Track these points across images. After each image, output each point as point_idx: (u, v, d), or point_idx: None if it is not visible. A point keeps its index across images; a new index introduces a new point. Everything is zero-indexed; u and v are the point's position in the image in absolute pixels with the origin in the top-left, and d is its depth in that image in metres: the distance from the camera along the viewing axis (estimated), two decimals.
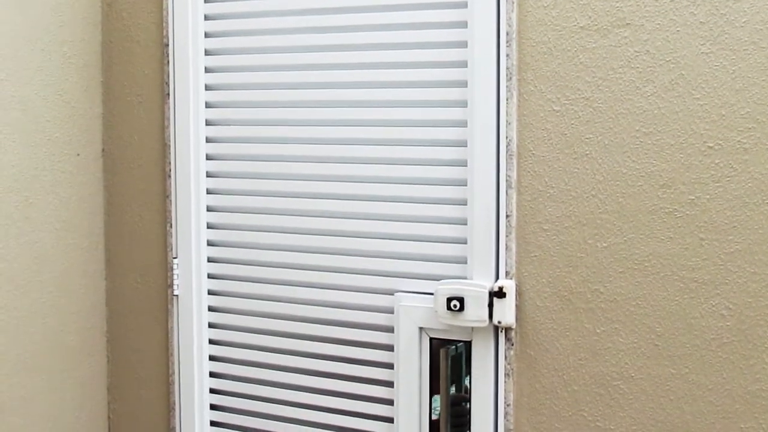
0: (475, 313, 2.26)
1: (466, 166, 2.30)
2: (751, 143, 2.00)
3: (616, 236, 2.15)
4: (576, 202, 2.20)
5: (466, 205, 2.31)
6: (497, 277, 2.29)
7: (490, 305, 2.26)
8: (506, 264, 2.29)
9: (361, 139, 2.46)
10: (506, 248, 2.28)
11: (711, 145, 2.03)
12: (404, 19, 2.38)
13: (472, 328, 2.30)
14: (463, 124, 2.30)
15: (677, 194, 2.08)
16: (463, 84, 2.30)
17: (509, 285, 2.27)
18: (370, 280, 2.47)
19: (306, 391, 2.59)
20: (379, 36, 2.42)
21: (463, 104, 2.30)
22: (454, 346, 2.34)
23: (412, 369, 2.38)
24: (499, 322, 2.28)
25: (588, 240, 2.19)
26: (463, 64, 2.29)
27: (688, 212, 2.07)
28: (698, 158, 2.05)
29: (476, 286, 2.27)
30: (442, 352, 2.35)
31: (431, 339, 2.37)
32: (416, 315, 2.37)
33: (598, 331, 2.19)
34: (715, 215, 2.04)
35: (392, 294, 2.42)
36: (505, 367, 2.30)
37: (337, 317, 2.52)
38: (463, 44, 2.29)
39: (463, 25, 2.29)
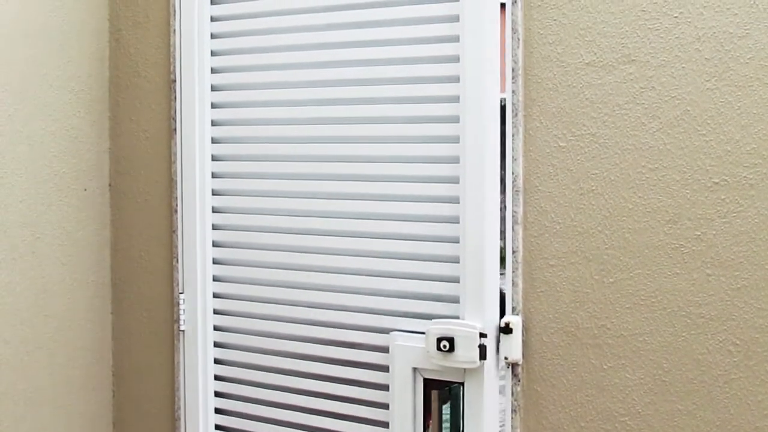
0: (466, 354, 2.23)
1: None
2: (757, 179, 1.99)
3: (623, 272, 2.14)
4: (582, 237, 2.19)
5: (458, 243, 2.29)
6: (503, 314, 2.28)
7: (481, 346, 2.22)
8: (513, 300, 2.28)
9: (356, 175, 2.46)
10: (513, 284, 2.27)
11: (717, 180, 2.03)
12: (400, 53, 2.38)
13: (464, 369, 2.26)
14: (456, 160, 2.29)
15: (683, 230, 2.07)
16: (456, 119, 2.28)
17: (516, 321, 2.26)
18: (367, 318, 2.44)
19: (306, 430, 2.57)
20: (377, 71, 2.41)
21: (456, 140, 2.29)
22: (447, 388, 2.30)
23: (406, 410, 2.34)
24: (506, 358, 2.28)
25: (594, 276, 2.18)
26: (456, 99, 2.28)
27: (694, 248, 2.06)
28: (704, 194, 2.04)
29: (466, 327, 2.23)
30: (433, 394, 2.32)
31: (425, 380, 2.33)
32: (410, 355, 2.33)
33: (605, 366, 2.18)
34: (722, 251, 2.03)
35: (388, 333, 2.40)
36: (511, 403, 2.29)
37: (337, 355, 2.50)
38: (455, 78, 2.28)
39: (456, 59, 2.28)
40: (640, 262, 2.12)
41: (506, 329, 2.27)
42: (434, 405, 2.31)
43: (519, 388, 2.29)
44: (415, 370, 2.33)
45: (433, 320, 2.29)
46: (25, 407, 2.77)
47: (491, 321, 2.25)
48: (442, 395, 2.29)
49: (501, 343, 2.28)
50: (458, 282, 2.28)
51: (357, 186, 2.46)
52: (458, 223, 2.28)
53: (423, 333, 2.30)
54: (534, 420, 2.27)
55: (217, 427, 2.73)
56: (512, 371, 2.29)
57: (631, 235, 2.13)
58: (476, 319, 2.24)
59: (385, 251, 2.41)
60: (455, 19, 2.27)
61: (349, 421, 2.49)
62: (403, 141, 2.39)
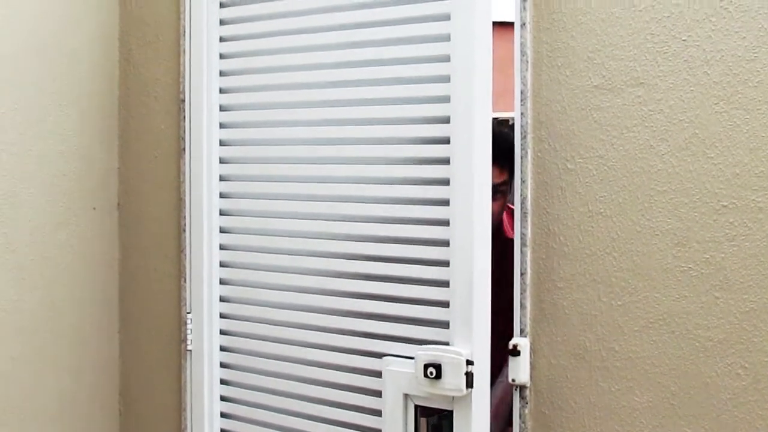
0: (452, 381, 2.17)
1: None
2: (765, 202, 1.98)
3: (631, 295, 2.13)
4: (590, 260, 2.19)
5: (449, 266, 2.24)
6: (512, 336, 2.27)
7: (468, 374, 2.16)
8: (521, 322, 2.27)
9: (350, 197, 2.45)
10: (521, 306, 2.27)
11: (725, 204, 2.02)
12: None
13: (453, 397, 2.20)
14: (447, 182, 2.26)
15: (692, 252, 2.06)
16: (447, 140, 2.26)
17: (524, 343, 2.25)
18: (363, 342, 2.40)
19: None
20: (371, 91, 2.41)
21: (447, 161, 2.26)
22: (436, 416, 2.26)
23: None
24: (513, 380, 2.27)
25: (602, 298, 2.17)
26: (447, 120, 2.25)
27: (703, 270, 2.05)
28: (713, 217, 2.03)
29: (453, 353, 2.18)
30: (422, 421, 2.27)
31: (416, 406, 2.28)
32: (401, 381, 2.28)
33: (613, 389, 2.16)
34: (730, 274, 2.02)
35: (380, 357, 2.36)
36: (519, 425, 2.28)
37: (336, 379, 2.47)
38: (446, 99, 2.25)
39: (446, 79, 2.25)
40: (648, 284, 2.11)
41: (514, 351, 2.26)
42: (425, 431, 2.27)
43: (527, 411, 2.28)
44: (406, 396, 2.28)
45: (422, 346, 2.25)
46: (31, 425, 2.78)
47: (480, 348, 2.19)
48: (431, 422, 2.26)
49: (509, 366, 2.27)
50: (448, 306, 2.24)
51: (351, 208, 2.44)
52: (448, 246, 2.24)
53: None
54: None
55: None
56: (520, 393, 2.28)
57: (639, 258, 2.12)
58: (465, 345, 2.19)
59: (378, 274, 2.39)
60: (447, 38, 2.25)
61: None
62: (394, 162, 2.37)
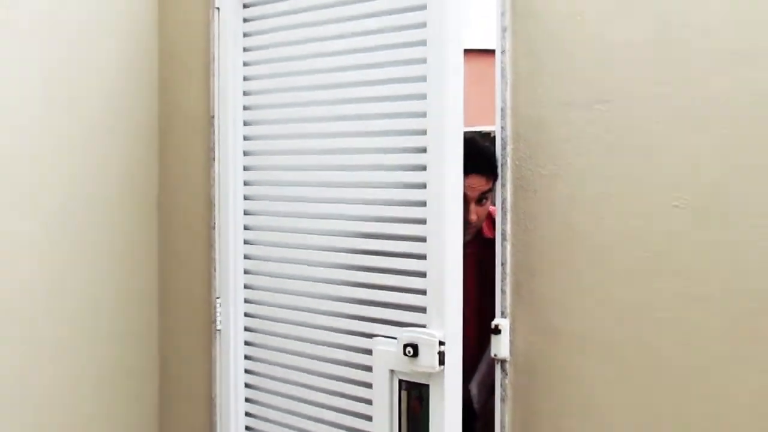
0: (427, 359, 2.14)
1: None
2: (708, 203, 1.97)
3: (595, 281, 2.14)
4: (560, 252, 2.19)
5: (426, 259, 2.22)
6: (504, 319, 2.26)
7: (440, 353, 2.13)
8: (501, 305, 2.27)
9: (345, 198, 2.44)
10: (501, 291, 2.27)
11: (676, 204, 2.02)
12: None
13: (429, 373, 2.17)
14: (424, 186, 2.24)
15: (650, 246, 2.05)
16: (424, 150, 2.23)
17: (504, 323, 2.26)
18: (360, 325, 2.40)
19: (311, 419, 2.56)
20: (360, 108, 2.40)
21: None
22: (417, 389, 2.22)
23: (384, 406, 2.28)
24: (495, 355, 2.27)
25: (571, 284, 2.18)
26: (424, 132, 2.23)
27: (659, 262, 2.04)
28: (668, 215, 2.03)
29: (428, 335, 2.15)
30: (403, 393, 2.25)
31: (400, 380, 2.26)
32: (387, 358, 2.25)
33: (579, 362, 2.16)
34: (678, 264, 2.02)
35: (371, 337, 2.34)
36: (500, 393, 2.29)
37: (336, 356, 2.47)
38: (423, 114, 2.22)
39: (423, 96, 2.22)
40: (609, 273, 2.12)
41: (496, 330, 2.27)
42: (404, 404, 2.25)
43: (507, 381, 2.28)
44: (392, 372, 2.26)
45: (405, 328, 2.23)
46: (86, 389, 2.82)
47: (452, 330, 2.17)
48: (412, 394, 2.23)
49: (492, 342, 2.28)
50: (426, 294, 2.21)
51: (347, 208, 2.44)
52: (425, 241, 2.22)
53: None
54: (520, 408, 2.27)
55: (246, 413, 2.75)
56: (501, 366, 2.29)
57: (601, 250, 2.13)
58: (439, 328, 2.16)
59: (370, 266, 2.37)
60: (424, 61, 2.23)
61: (341, 413, 2.46)
62: (382, 168, 2.36)
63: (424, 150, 2.22)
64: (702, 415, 2.02)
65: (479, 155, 2.32)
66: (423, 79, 2.21)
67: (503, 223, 2.29)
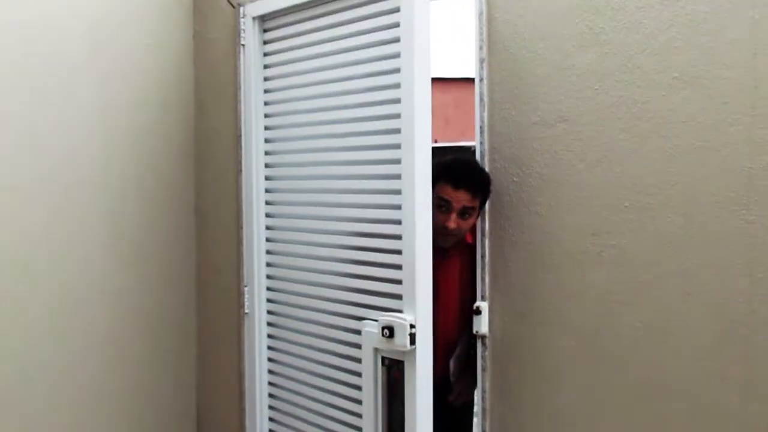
0: (401, 340, 2.08)
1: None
2: (655, 203, 1.96)
3: (559, 271, 2.12)
4: (530, 247, 2.17)
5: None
6: (483, 302, 2.25)
7: (411, 335, 2.07)
8: (481, 290, 2.25)
9: (341, 203, 2.40)
10: (481, 279, 2.25)
11: (627, 204, 2.01)
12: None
13: (404, 351, 2.11)
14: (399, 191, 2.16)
15: (603, 240, 2.04)
16: (399, 161, 2.15)
17: (484, 305, 2.24)
18: (353, 309, 2.35)
19: (314, 387, 2.52)
20: (344, 128, 2.30)
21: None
22: (396, 364, 2.16)
23: (370, 377, 2.23)
24: (477, 332, 2.25)
25: (538, 274, 2.16)
26: (398, 146, 2.14)
27: (611, 253, 2.03)
28: (618, 214, 2.02)
29: (401, 318, 2.09)
30: (382, 369, 2.19)
31: (383, 358, 2.20)
32: (372, 338, 2.19)
33: (545, 338, 2.16)
34: (630, 255, 2.00)
35: (360, 320, 2.29)
36: (481, 364, 2.27)
37: (336, 336, 2.42)
38: (398, 131, 2.15)
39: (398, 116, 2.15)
40: (571, 264, 2.10)
41: (477, 311, 2.25)
42: (383, 376, 2.20)
43: (486, 353, 2.27)
44: (376, 350, 2.20)
45: (386, 313, 2.17)
46: (134, 368, 2.80)
47: (423, 314, 2.10)
48: (390, 369, 2.18)
49: (473, 321, 2.25)
50: (401, 284, 2.14)
51: (343, 211, 2.40)
52: (401, 239, 2.14)
53: None
54: (497, 375, 2.26)
55: (269, 383, 2.72)
56: (481, 342, 2.27)
57: (565, 245, 2.11)
58: (411, 312, 2.09)
59: (360, 260, 2.32)
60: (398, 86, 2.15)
61: (341, 384, 2.41)
62: (366, 178, 2.31)
63: (398, 161, 2.15)
64: (646, 369, 2.00)
65: (470, 175, 2.26)
66: (398, 101, 2.15)
67: (483, 223, 2.27)
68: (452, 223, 2.30)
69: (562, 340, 2.13)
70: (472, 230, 2.37)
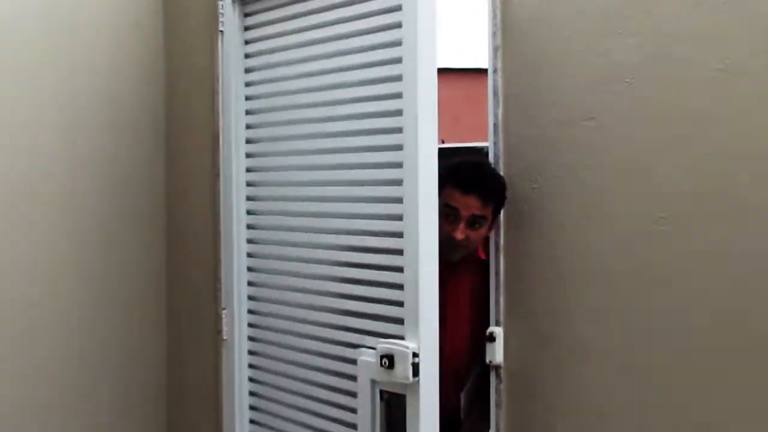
0: (402, 370, 2.07)
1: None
2: (696, 213, 1.96)
3: (583, 290, 2.12)
4: (551, 263, 2.17)
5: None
6: (498, 327, 2.26)
7: (414, 364, 2.06)
8: (496, 313, 2.26)
9: (337, 213, 2.41)
10: (495, 301, 2.26)
11: (663, 215, 2.00)
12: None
13: (406, 384, 2.09)
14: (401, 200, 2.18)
15: (639, 255, 2.03)
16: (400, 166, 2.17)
17: (498, 331, 2.25)
18: (347, 336, 2.36)
19: (300, 425, 2.53)
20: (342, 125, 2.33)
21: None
22: (396, 399, 2.15)
23: (366, 414, 2.23)
24: (490, 362, 2.26)
25: (560, 293, 2.16)
26: (400, 147, 2.15)
27: (649, 270, 2.02)
28: (654, 226, 2.00)
29: (402, 346, 2.08)
30: (381, 404, 2.19)
31: (381, 392, 2.20)
32: (369, 369, 2.19)
33: (571, 369, 2.15)
34: (672, 273, 1.99)
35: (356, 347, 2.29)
36: (495, 399, 2.27)
37: (325, 366, 2.43)
38: (400, 130, 2.17)
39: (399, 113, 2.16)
40: (601, 282, 2.09)
41: (490, 338, 2.25)
42: (381, 413, 2.20)
43: (501, 387, 2.27)
44: (373, 382, 2.20)
45: (384, 339, 2.16)
46: (99, 399, 2.83)
47: (427, 342, 2.09)
48: (391, 403, 2.17)
49: (486, 349, 2.26)
50: (403, 306, 2.14)
51: (337, 222, 2.41)
52: (402, 254, 2.14)
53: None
54: (514, 413, 2.26)
55: (251, 420, 2.73)
56: (496, 373, 2.27)
57: (593, 260, 2.11)
58: (414, 339, 2.09)
59: (361, 278, 2.32)
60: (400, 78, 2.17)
61: (333, 422, 2.42)
62: (363, 184, 2.34)
63: (400, 165, 2.16)
64: (692, 414, 1.99)
65: (480, 177, 2.29)
66: (399, 95, 2.17)
67: (497, 235, 2.28)
68: (460, 233, 2.31)
69: (591, 373, 2.12)
70: (485, 244, 2.38)
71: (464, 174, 2.32)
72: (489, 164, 2.30)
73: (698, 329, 1.97)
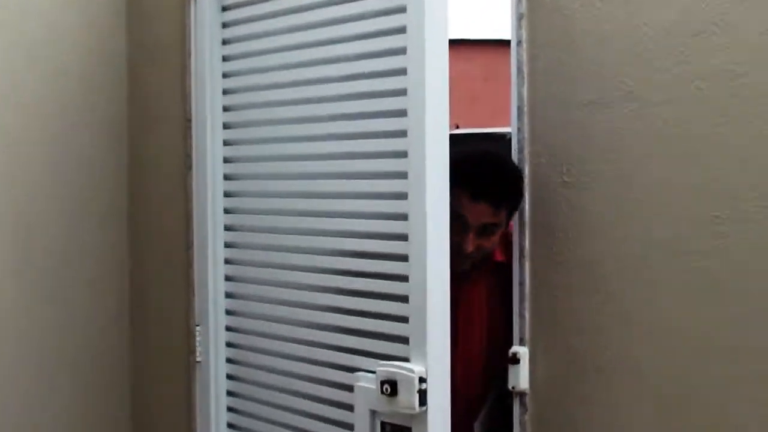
0: (406, 398, 2.05)
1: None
2: (757, 212, 1.93)
3: (624, 303, 2.10)
4: (585, 269, 2.17)
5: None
6: (522, 347, 2.24)
7: (421, 391, 2.03)
8: (520, 331, 2.25)
9: (330, 211, 2.39)
10: (519, 315, 2.25)
11: (718, 214, 1.98)
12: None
13: (411, 414, 2.07)
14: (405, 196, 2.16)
15: (685, 262, 2.02)
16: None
17: (523, 351, 2.24)
18: (341, 357, 2.33)
19: None
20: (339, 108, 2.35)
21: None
22: None
23: None
24: (513, 387, 2.24)
25: (597, 306, 2.14)
26: (404, 134, 2.15)
27: (700, 279, 2.00)
28: (708, 227, 1.99)
29: (407, 370, 2.05)
30: None
31: (383, 423, 2.17)
32: (368, 396, 2.16)
33: (605, 393, 2.14)
34: (722, 282, 1.97)
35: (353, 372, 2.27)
36: (519, 431, 2.26)
37: (321, 394, 2.40)
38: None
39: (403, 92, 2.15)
40: (644, 293, 2.08)
41: (513, 359, 2.23)
42: None
43: (527, 417, 2.25)
44: (373, 412, 2.17)
45: (385, 362, 2.14)
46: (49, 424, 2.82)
47: (436, 365, 2.06)
48: None
49: (509, 373, 2.24)
50: (408, 322, 2.12)
51: (331, 222, 2.39)
52: (407, 261, 2.13)
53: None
54: None
55: None
56: (520, 400, 2.25)
57: (634, 267, 2.09)
58: (420, 362, 2.06)
59: (354, 289, 2.30)
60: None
61: None
62: (360, 177, 2.31)
63: (404, 154, 2.14)
64: None
65: (493, 181, 2.31)
66: (403, 71, 2.14)
67: (521, 238, 2.26)
68: (470, 245, 2.35)
69: (634, 402, 2.10)
70: (504, 243, 2.40)
71: (473, 176, 2.33)
72: (501, 158, 2.32)
73: (762, 350, 1.94)
